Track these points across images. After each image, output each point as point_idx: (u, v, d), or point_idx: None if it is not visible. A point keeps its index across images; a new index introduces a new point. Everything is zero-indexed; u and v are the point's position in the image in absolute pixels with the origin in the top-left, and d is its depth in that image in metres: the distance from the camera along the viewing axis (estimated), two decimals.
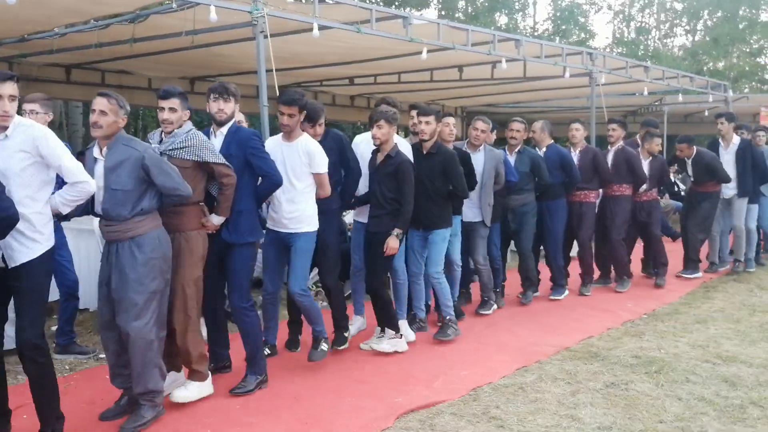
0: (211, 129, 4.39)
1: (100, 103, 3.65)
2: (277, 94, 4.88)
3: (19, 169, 3.33)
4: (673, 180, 10.89)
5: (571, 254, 7.54)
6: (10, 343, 3.61)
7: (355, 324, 5.66)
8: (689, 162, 8.08)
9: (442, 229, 5.44)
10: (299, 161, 4.58)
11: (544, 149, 6.94)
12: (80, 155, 5.23)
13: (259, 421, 3.92)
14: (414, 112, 5.68)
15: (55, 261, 4.07)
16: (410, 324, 5.59)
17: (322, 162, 4.64)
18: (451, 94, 11.76)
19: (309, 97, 6.27)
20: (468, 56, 7.84)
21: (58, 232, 4.49)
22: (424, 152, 5.40)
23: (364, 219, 5.30)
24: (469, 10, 26.31)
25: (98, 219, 3.87)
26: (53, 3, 5.75)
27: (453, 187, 5.37)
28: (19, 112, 3.51)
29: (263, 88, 5.46)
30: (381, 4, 14.03)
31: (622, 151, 7.32)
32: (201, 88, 9.69)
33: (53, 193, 3.53)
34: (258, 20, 5.33)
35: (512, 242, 7.03)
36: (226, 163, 4.11)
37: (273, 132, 5.16)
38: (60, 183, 3.58)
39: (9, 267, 3.37)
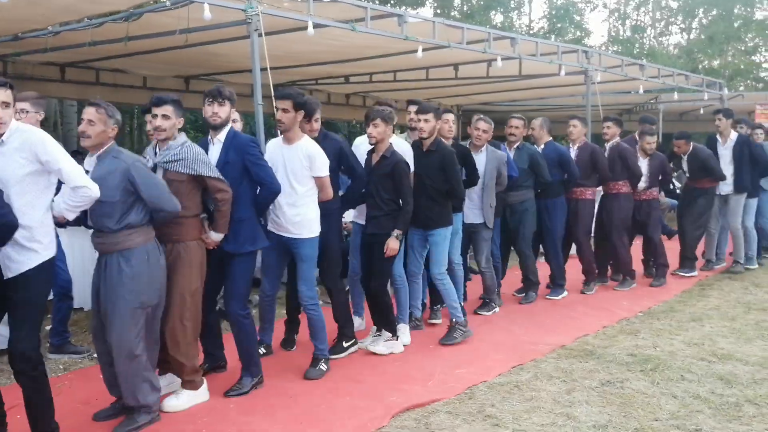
0: (209, 137, 4.36)
1: (88, 112, 3.63)
2: (272, 92, 4.86)
3: (18, 175, 3.25)
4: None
5: (571, 252, 7.51)
6: (3, 342, 3.58)
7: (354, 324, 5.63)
8: (685, 158, 8.08)
9: (442, 228, 5.36)
10: (300, 164, 4.52)
11: (542, 146, 6.90)
12: (74, 154, 5.23)
13: (254, 420, 3.91)
14: (412, 108, 5.67)
15: None
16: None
17: (323, 165, 4.58)
18: (446, 92, 11.76)
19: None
20: (463, 54, 7.83)
21: None
22: (424, 149, 5.36)
23: (363, 221, 5.27)
24: (465, 9, 26.32)
25: (92, 231, 3.81)
26: (47, 1, 5.72)
27: (450, 187, 5.30)
28: None
29: (258, 87, 5.44)
30: (376, 2, 14.00)
31: (616, 147, 7.31)
32: (196, 86, 9.68)
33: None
34: (252, 18, 5.31)
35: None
36: (221, 177, 4.03)
37: (268, 131, 5.15)
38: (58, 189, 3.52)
39: (5, 277, 3.29)
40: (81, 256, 5.84)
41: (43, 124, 4.04)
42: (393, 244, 4.97)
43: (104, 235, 3.67)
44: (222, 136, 4.27)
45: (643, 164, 7.49)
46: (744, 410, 4.09)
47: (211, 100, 4.25)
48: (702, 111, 13.33)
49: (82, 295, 5.51)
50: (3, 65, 7.89)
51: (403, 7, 20.01)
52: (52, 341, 4.97)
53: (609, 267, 7.79)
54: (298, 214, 4.54)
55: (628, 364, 4.90)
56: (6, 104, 3.25)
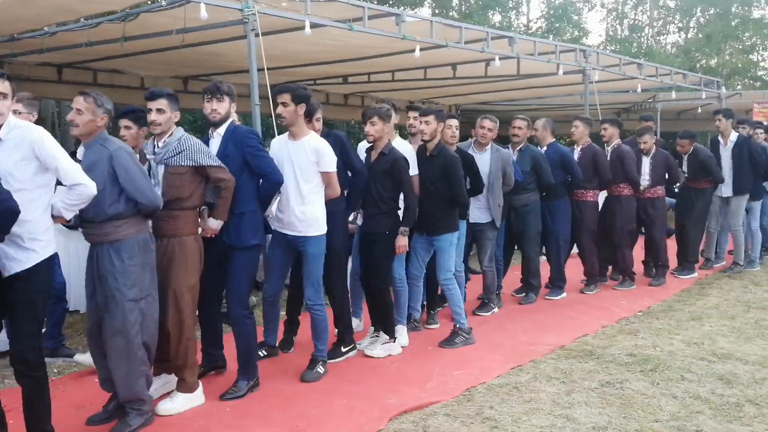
0: (210, 132, 4.32)
1: (77, 101, 3.61)
2: (269, 92, 4.82)
3: (16, 173, 3.21)
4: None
5: (571, 252, 7.47)
6: (4, 345, 3.55)
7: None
8: (685, 158, 8.04)
9: (447, 233, 5.29)
10: (307, 160, 4.44)
11: (545, 148, 6.85)
12: (73, 155, 5.19)
13: (250, 423, 3.88)
14: (411, 114, 5.62)
15: None
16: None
17: (330, 160, 4.50)
18: (445, 92, 11.74)
19: None
20: (461, 54, 7.81)
21: None
22: (428, 154, 5.29)
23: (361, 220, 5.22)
24: (463, 9, 26.29)
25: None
26: (42, 1, 5.70)
27: (452, 193, 5.20)
28: None
29: (254, 87, 5.42)
30: (374, 1, 13.98)
31: (616, 150, 7.27)
32: (194, 87, 9.65)
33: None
34: (249, 18, 5.29)
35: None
36: (221, 165, 4.01)
37: (264, 131, 5.12)
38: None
39: (4, 276, 3.24)
40: (77, 258, 5.79)
41: (40, 125, 4.01)
42: (401, 242, 4.94)
43: (94, 226, 3.63)
44: (222, 130, 4.24)
45: (645, 163, 7.45)
46: (745, 410, 4.07)
47: (209, 96, 4.22)
48: (700, 110, 13.31)
49: (78, 298, 5.47)
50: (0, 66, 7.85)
51: (402, 8, 19.98)
52: (46, 344, 4.89)
53: (609, 268, 7.75)
54: (306, 212, 4.47)
55: (628, 365, 4.88)
56: (4, 95, 3.21)
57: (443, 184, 5.21)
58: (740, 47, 28.85)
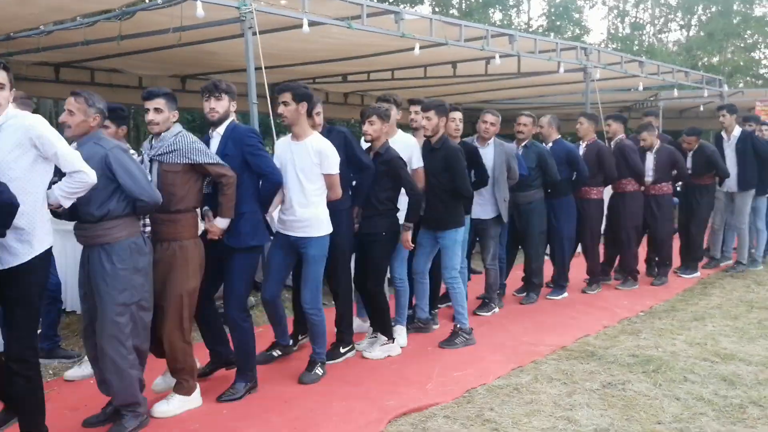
0: (210, 131, 4.26)
1: (68, 102, 3.56)
2: (266, 92, 4.78)
3: (13, 163, 3.15)
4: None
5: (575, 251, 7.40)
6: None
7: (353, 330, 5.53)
8: (689, 154, 7.97)
9: (451, 230, 5.22)
10: (309, 161, 4.37)
11: (551, 144, 6.79)
12: None
13: (247, 426, 3.83)
14: (413, 108, 5.57)
15: None
16: (408, 322, 5.47)
17: (333, 162, 4.43)
18: (445, 90, 11.68)
19: None
20: (461, 52, 7.76)
21: None
22: (431, 147, 5.24)
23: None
24: (463, 7, 26.26)
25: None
26: (38, 0, 5.65)
27: (455, 185, 5.15)
28: None
29: (252, 86, 5.38)
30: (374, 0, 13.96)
31: (618, 145, 7.21)
32: (192, 86, 9.62)
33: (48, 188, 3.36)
34: (246, 16, 5.25)
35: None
36: (220, 162, 3.95)
37: (263, 131, 5.08)
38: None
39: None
40: (74, 258, 5.74)
41: None
42: (407, 236, 4.90)
43: (85, 226, 3.58)
44: (222, 129, 4.19)
45: (649, 158, 7.39)
46: (748, 412, 4.01)
47: (207, 95, 4.17)
48: (702, 108, 13.27)
49: (73, 299, 5.43)
50: None
51: (402, 5, 19.93)
52: (42, 346, 4.84)
53: (612, 267, 7.69)
54: (308, 213, 4.40)
55: (630, 366, 4.82)
56: (2, 86, 3.17)
57: (446, 176, 5.15)
58: (742, 45, 28.82)
